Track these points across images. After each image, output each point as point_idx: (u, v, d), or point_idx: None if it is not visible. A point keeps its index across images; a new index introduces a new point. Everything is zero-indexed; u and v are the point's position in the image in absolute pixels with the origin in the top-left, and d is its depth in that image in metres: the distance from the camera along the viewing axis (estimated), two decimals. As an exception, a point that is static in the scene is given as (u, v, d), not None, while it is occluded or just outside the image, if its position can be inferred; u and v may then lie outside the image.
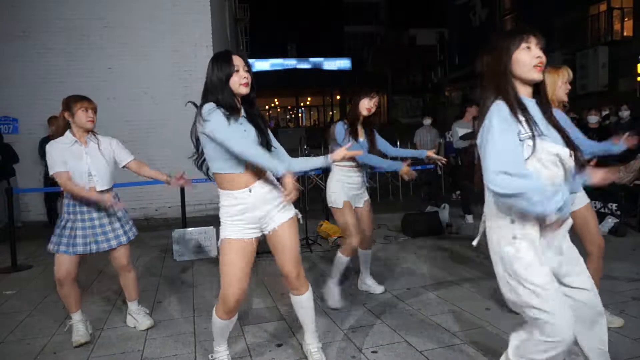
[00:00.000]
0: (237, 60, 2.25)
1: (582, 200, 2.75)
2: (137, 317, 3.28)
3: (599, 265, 2.76)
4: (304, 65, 29.39)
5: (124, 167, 3.21)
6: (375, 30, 35.65)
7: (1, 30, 7.38)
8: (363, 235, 3.53)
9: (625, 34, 15.72)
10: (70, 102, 2.96)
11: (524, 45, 1.74)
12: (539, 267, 1.75)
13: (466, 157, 6.77)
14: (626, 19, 15.79)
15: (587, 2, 16.66)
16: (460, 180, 7.31)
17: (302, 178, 8.74)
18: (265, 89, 25.25)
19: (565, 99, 2.70)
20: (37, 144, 7.28)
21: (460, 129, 6.69)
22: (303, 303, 2.51)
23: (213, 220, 7.20)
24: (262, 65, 29.38)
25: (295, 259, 2.44)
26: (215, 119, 2.15)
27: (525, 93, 1.80)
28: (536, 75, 1.75)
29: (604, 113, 8.57)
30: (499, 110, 1.73)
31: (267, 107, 29.98)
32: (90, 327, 3.17)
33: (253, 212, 2.31)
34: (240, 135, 2.20)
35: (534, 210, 1.63)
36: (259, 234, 2.42)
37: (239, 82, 2.24)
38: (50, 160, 2.92)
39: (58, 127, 3.05)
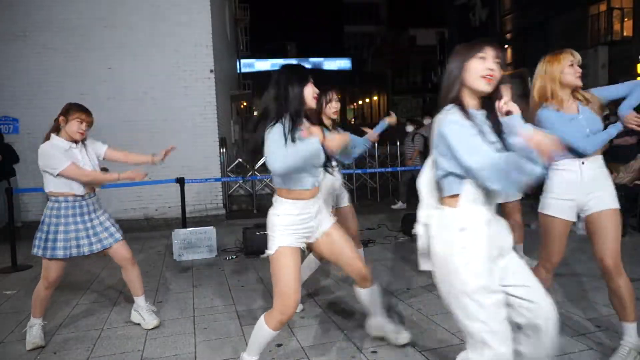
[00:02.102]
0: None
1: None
2: (144, 315, 3.26)
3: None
4: (304, 65, 29.37)
5: (104, 159, 3.24)
6: (375, 30, 35.66)
7: (1, 30, 7.37)
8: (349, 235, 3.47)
9: (625, 34, 15.72)
10: (70, 110, 3.00)
11: (479, 54, 1.71)
12: (488, 277, 1.69)
13: None
14: (626, 19, 15.79)
15: (587, 2, 16.66)
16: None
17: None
18: (265, 89, 25.21)
19: (579, 83, 2.48)
20: (38, 143, 7.26)
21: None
22: (371, 295, 2.65)
23: (213, 220, 7.24)
24: (262, 65, 29.39)
25: (351, 257, 2.51)
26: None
27: (472, 105, 1.75)
28: (482, 86, 1.70)
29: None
30: (452, 114, 1.69)
31: (267, 107, 29.95)
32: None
33: (309, 222, 2.39)
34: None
35: (534, 171, 1.48)
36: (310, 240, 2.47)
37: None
38: (55, 159, 2.91)
39: (51, 127, 3.05)
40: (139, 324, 3.29)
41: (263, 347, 2.42)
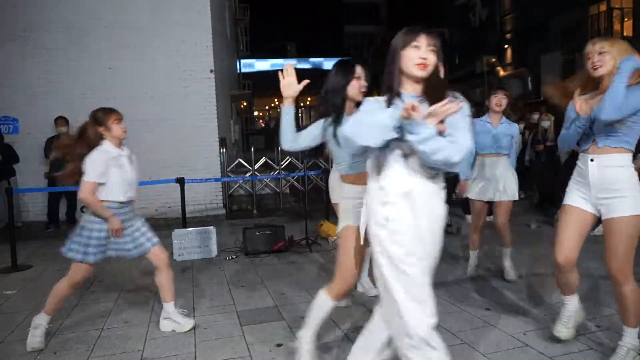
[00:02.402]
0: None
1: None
2: (178, 319, 3.19)
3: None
4: (304, 65, 29.41)
5: None
6: (375, 30, 35.65)
7: (1, 30, 7.37)
8: None
9: (625, 34, 15.72)
10: (103, 117, 3.02)
11: (413, 43, 1.82)
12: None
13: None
14: (626, 19, 15.80)
15: (587, 2, 16.66)
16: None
17: (303, 179, 8.74)
18: (265, 89, 25.26)
19: (592, 73, 2.41)
20: (38, 143, 7.29)
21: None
22: None
23: (213, 220, 7.23)
24: (262, 65, 29.41)
25: None
26: None
27: (411, 89, 1.88)
28: (418, 72, 1.83)
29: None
30: (364, 104, 1.90)
31: (267, 107, 29.98)
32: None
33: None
34: None
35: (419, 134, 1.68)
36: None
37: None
38: (93, 168, 2.91)
39: (89, 139, 3.01)
40: (138, 324, 3.30)
41: (320, 323, 2.52)
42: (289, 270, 4.54)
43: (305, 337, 2.51)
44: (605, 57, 2.36)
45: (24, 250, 5.64)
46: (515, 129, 4.03)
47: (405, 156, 1.83)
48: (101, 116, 3.03)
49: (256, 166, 9.27)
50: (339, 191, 3.43)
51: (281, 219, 7.41)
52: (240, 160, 9.48)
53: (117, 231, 3.00)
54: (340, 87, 2.44)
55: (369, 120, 1.79)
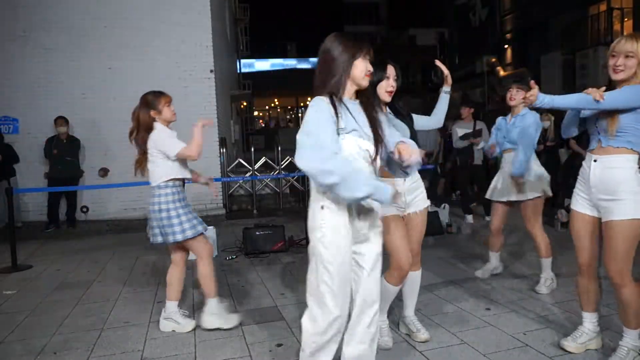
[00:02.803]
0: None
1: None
2: (179, 319, 3.16)
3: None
4: (304, 65, 29.40)
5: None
6: (375, 30, 35.64)
7: (1, 30, 7.38)
8: None
9: (625, 34, 15.71)
10: (154, 100, 3.03)
11: (365, 55, 1.98)
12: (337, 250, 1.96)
13: (464, 157, 6.77)
14: (626, 19, 15.79)
15: (587, 2, 16.66)
16: (461, 180, 7.31)
17: (302, 179, 8.74)
18: (265, 89, 25.27)
19: (612, 76, 2.35)
20: (38, 143, 7.29)
21: (460, 129, 6.70)
22: (415, 278, 2.84)
23: (213, 220, 7.23)
24: (262, 65, 29.39)
25: (412, 244, 2.73)
26: None
27: (349, 95, 2.02)
28: (364, 83, 2.00)
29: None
30: (317, 104, 1.94)
31: (267, 107, 29.96)
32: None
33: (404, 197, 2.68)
34: None
35: (345, 195, 1.83)
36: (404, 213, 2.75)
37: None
38: (170, 136, 2.98)
39: (144, 123, 3.02)
40: (138, 324, 3.30)
41: (387, 306, 2.77)
42: (289, 270, 4.54)
43: (382, 318, 2.76)
44: (630, 61, 2.28)
45: (24, 250, 5.64)
46: (528, 119, 3.61)
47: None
48: (152, 99, 3.05)
49: (256, 166, 9.27)
50: None
51: (281, 219, 7.41)
52: (240, 160, 9.48)
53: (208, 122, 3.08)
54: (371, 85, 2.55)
55: (353, 175, 1.85)
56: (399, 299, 2.92)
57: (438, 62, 3.11)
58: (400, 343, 2.83)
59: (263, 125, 30.71)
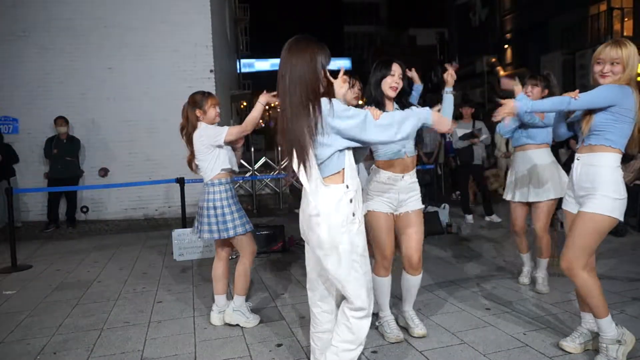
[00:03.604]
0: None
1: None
2: (247, 313, 3.20)
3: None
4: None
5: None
6: (375, 30, 35.66)
7: (1, 30, 7.38)
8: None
9: (625, 34, 15.72)
10: (202, 100, 3.11)
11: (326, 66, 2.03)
12: None
13: (464, 157, 6.77)
14: (626, 19, 15.80)
15: (587, 2, 16.66)
16: (460, 180, 7.31)
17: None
18: (265, 89, 25.18)
19: (598, 80, 2.43)
20: (38, 143, 7.29)
21: (459, 129, 6.70)
22: (415, 282, 2.92)
23: (213, 220, 7.22)
24: (262, 65, 29.39)
25: (412, 241, 2.84)
26: None
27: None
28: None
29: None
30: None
31: (267, 107, 29.89)
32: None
33: (395, 194, 2.79)
34: None
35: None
36: (395, 212, 2.85)
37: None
38: (216, 129, 3.06)
39: (191, 121, 3.12)
40: (138, 324, 3.30)
41: (387, 300, 2.92)
42: (289, 270, 4.54)
43: (385, 316, 2.93)
44: (616, 67, 2.35)
45: (24, 250, 5.64)
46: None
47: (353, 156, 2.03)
48: (199, 99, 3.13)
49: (256, 166, 9.27)
50: None
51: (281, 219, 7.41)
52: (241, 160, 9.48)
53: (270, 97, 3.02)
54: (376, 81, 2.76)
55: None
56: (396, 297, 2.92)
57: (449, 67, 2.96)
58: (400, 343, 2.83)
59: (263, 125, 30.66)
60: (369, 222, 2.76)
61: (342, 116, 1.90)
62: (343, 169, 1.97)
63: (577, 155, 2.50)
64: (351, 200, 1.96)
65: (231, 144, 3.16)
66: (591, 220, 2.36)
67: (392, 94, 2.74)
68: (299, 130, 1.87)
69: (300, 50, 1.93)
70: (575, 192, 2.51)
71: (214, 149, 3.07)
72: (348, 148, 1.98)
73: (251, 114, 3.09)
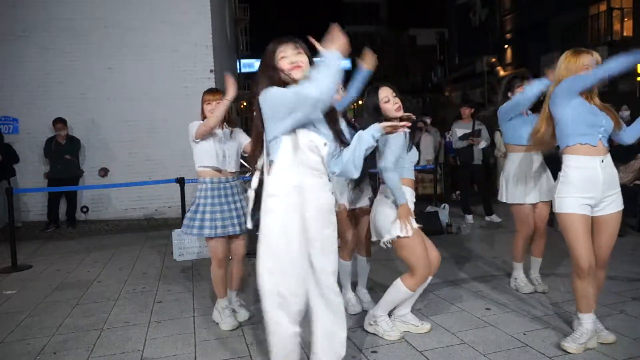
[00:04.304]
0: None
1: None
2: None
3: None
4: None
5: (243, 151, 3.48)
6: (375, 30, 35.66)
7: (1, 30, 7.37)
8: (360, 240, 3.42)
9: (625, 34, 15.73)
10: (203, 96, 3.24)
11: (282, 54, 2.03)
12: None
13: (464, 157, 6.77)
14: (626, 19, 15.80)
15: (587, 2, 16.67)
16: (460, 180, 7.31)
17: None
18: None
19: None
20: (38, 143, 7.29)
21: (459, 130, 6.70)
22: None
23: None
24: (262, 65, 29.32)
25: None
26: None
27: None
28: (294, 75, 2.00)
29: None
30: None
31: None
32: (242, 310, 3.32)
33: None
34: None
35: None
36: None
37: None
38: (193, 126, 3.15)
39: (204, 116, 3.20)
40: (138, 324, 3.30)
41: (394, 306, 2.93)
42: (289, 270, 4.54)
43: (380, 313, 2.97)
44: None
45: (24, 250, 5.64)
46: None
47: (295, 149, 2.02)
48: (203, 96, 3.24)
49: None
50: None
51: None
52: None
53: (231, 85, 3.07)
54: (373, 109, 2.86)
55: None
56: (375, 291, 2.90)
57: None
58: (400, 343, 2.83)
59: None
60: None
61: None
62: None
63: (600, 157, 2.54)
64: None
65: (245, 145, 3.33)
66: (620, 216, 2.63)
67: (399, 113, 2.80)
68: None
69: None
70: (603, 193, 2.56)
71: (195, 145, 3.15)
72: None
73: (216, 110, 3.08)
